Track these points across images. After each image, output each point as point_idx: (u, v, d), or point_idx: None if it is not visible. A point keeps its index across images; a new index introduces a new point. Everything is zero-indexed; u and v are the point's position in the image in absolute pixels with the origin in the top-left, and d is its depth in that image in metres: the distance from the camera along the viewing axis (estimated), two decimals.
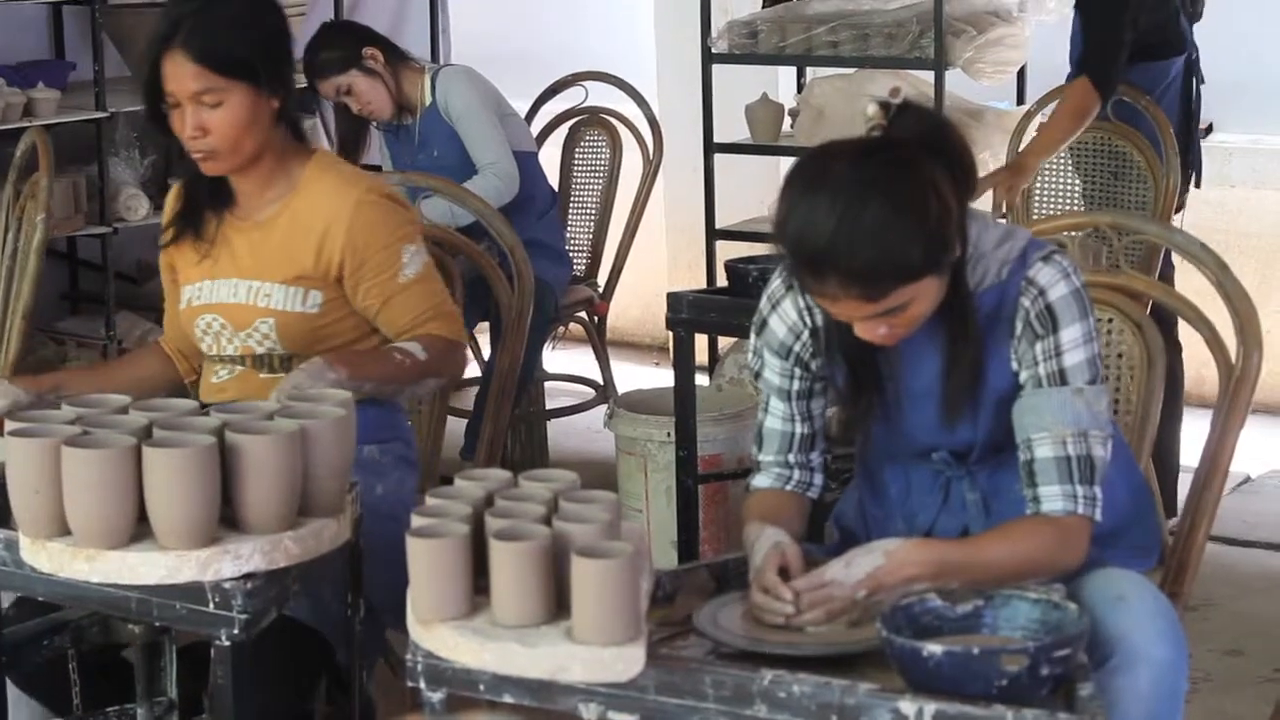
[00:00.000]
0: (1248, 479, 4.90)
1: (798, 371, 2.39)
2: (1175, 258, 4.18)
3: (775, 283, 2.39)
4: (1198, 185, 4.47)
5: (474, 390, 4.70)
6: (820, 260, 2.14)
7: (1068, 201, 4.62)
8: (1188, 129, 4.49)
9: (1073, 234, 2.74)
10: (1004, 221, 2.69)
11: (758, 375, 2.42)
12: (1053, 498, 2.24)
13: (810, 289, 2.23)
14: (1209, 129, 4.65)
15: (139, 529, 2.24)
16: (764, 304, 2.40)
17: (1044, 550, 2.24)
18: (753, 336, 2.41)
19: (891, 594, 2.14)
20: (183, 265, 2.82)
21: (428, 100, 4.50)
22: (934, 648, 1.95)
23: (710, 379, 4.44)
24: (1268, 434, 5.15)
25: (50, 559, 2.25)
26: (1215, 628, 3.88)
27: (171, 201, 2.85)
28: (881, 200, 2.12)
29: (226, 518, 2.25)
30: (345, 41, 4.48)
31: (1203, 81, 4.50)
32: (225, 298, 2.76)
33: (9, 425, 2.28)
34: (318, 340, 2.74)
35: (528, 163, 4.56)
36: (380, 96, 4.44)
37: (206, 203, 2.77)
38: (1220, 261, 2.65)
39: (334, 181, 2.75)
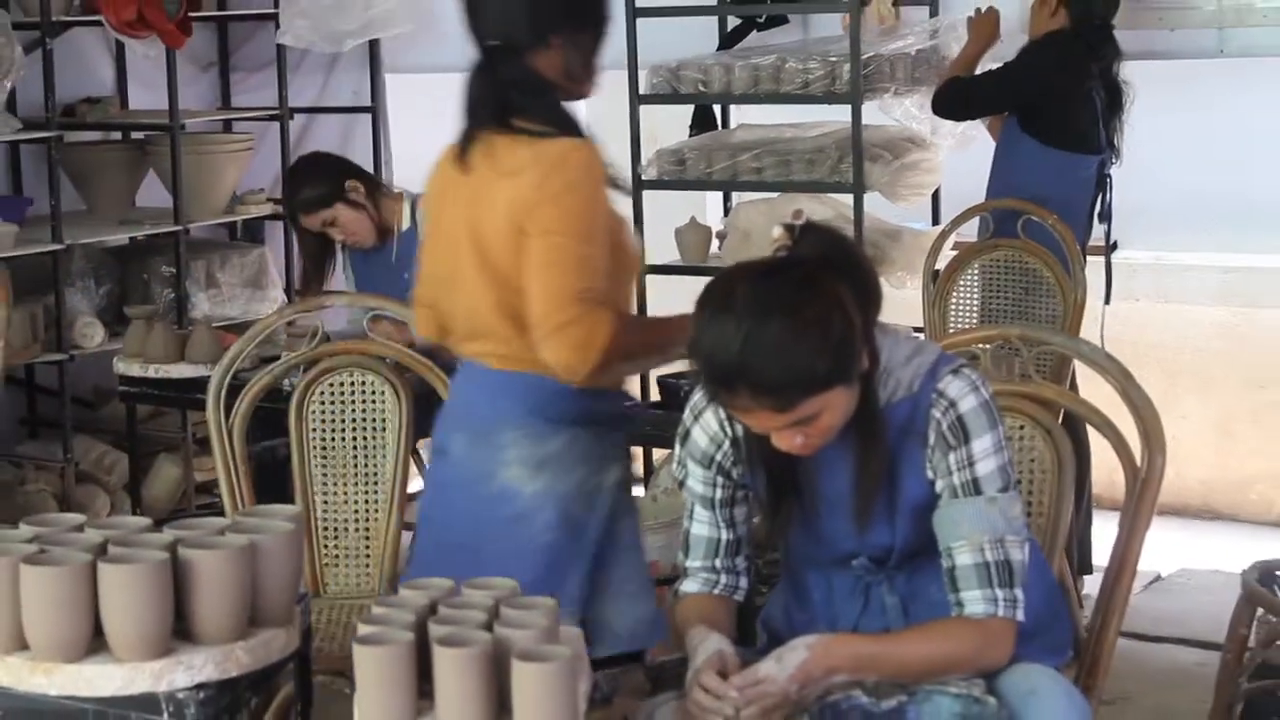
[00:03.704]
0: (1158, 577, 5.02)
1: (720, 480, 2.47)
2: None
3: (697, 395, 2.46)
4: (1107, 301, 4.65)
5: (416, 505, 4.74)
6: (730, 376, 2.23)
7: (977, 316, 4.78)
8: (1089, 234, 4.70)
9: (984, 347, 2.84)
10: (919, 336, 2.81)
11: (682, 484, 2.50)
12: (974, 601, 2.32)
13: (724, 403, 2.32)
14: (1114, 246, 4.84)
15: (95, 642, 2.29)
16: (687, 415, 2.48)
17: (965, 649, 2.32)
18: (677, 446, 2.49)
19: (817, 686, 2.23)
20: None
21: (405, 225, 4.60)
22: None
23: (645, 490, 4.54)
24: (1176, 535, 5.30)
25: (9, 673, 2.29)
26: None
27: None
28: (784, 317, 2.20)
29: (180, 630, 2.32)
30: (327, 176, 4.57)
31: (1111, 192, 4.71)
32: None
33: None
34: None
35: None
36: (364, 226, 4.55)
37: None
38: (1125, 370, 2.72)
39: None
